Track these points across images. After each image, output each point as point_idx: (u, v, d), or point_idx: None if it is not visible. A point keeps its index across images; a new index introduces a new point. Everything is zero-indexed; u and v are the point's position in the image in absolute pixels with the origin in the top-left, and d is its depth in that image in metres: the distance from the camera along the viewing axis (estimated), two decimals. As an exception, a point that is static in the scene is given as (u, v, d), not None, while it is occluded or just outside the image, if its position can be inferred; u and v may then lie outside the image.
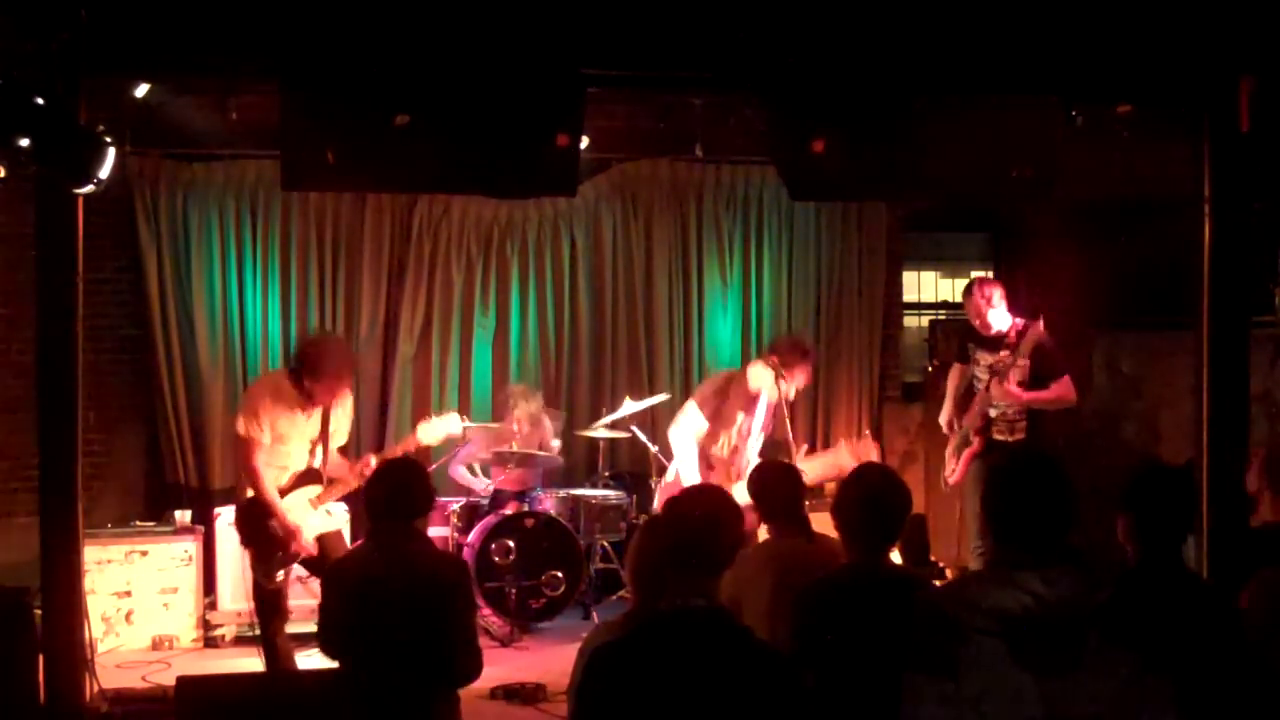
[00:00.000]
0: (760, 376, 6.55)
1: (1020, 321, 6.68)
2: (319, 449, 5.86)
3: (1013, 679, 2.53)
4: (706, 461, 6.62)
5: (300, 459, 5.81)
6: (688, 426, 6.59)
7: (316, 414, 5.79)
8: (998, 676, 2.54)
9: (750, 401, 6.59)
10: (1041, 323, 6.63)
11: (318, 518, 5.81)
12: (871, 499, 3.45)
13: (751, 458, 6.56)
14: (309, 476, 5.83)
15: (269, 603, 5.74)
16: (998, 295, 6.76)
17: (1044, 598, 2.54)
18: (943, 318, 9.38)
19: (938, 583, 8.05)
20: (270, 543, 5.63)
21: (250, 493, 5.67)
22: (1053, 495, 2.72)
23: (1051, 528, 2.69)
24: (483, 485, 7.73)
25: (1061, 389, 6.67)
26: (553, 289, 8.49)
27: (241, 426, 5.63)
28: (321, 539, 5.77)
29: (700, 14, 5.44)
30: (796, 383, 6.63)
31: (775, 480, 4.27)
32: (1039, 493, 2.72)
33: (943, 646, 2.58)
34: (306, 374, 5.65)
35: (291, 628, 6.37)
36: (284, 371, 5.85)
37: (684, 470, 6.56)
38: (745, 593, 3.65)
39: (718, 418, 6.60)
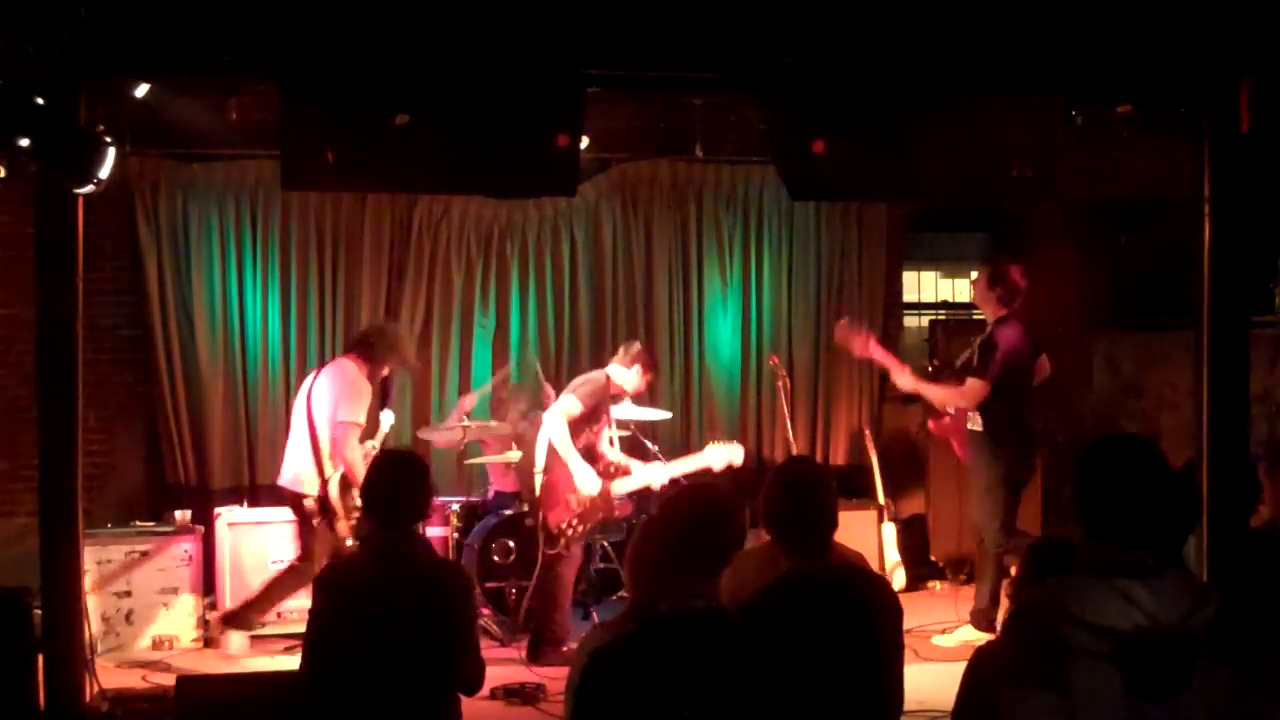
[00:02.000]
0: (624, 377, 6.78)
1: (1005, 313, 6.72)
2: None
3: (1119, 702, 2.33)
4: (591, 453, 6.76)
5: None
6: (563, 409, 6.61)
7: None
8: (1104, 699, 2.33)
9: (611, 401, 6.86)
10: (1017, 325, 6.65)
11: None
12: (796, 500, 3.34)
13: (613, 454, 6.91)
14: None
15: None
16: (983, 283, 6.80)
17: (1157, 617, 2.31)
18: (943, 318, 9.38)
19: (938, 585, 8.16)
20: None
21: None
22: (1163, 489, 2.47)
23: (1162, 527, 2.44)
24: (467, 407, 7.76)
25: (958, 391, 6.70)
26: (553, 289, 8.49)
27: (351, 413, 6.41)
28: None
29: (700, 14, 5.44)
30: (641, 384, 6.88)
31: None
32: (1149, 485, 2.45)
33: (1045, 661, 2.36)
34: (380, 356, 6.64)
35: (288, 628, 6.40)
36: (350, 358, 6.64)
37: (572, 461, 6.54)
38: (747, 592, 3.63)
39: (592, 415, 6.68)
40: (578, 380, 6.81)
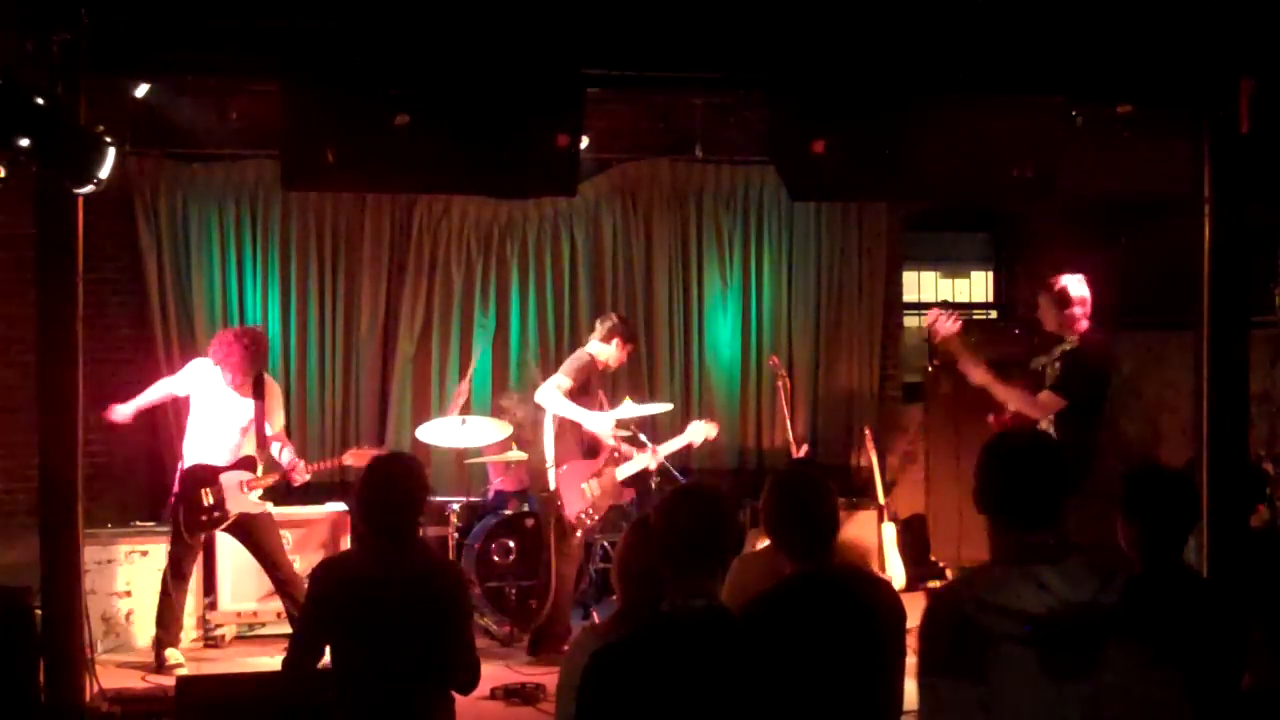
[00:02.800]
0: (604, 351, 6.93)
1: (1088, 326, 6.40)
2: (251, 436, 6.63)
3: (1033, 684, 2.44)
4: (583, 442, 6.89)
5: (229, 438, 6.59)
6: (557, 389, 6.71)
7: (244, 401, 6.58)
8: (1021, 682, 2.45)
9: (601, 375, 7.01)
10: (1104, 338, 6.21)
11: (244, 499, 6.55)
12: (797, 506, 3.34)
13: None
14: (245, 463, 6.60)
15: (178, 560, 6.56)
16: (1050, 307, 6.39)
17: (1067, 598, 2.43)
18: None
19: (938, 585, 8.15)
20: (198, 506, 6.49)
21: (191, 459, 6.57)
22: (1059, 476, 2.61)
23: (1060, 513, 2.58)
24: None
25: (1032, 401, 6.27)
26: (553, 289, 8.49)
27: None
28: (248, 519, 6.57)
29: (700, 14, 5.44)
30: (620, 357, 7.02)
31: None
32: (1048, 473, 2.59)
33: (966, 649, 2.47)
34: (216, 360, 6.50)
35: (288, 628, 6.39)
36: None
37: (577, 415, 6.73)
38: (749, 595, 3.62)
39: (584, 391, 6.80)
40: (569, 360, 6.94)
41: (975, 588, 2.53)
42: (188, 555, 6.56)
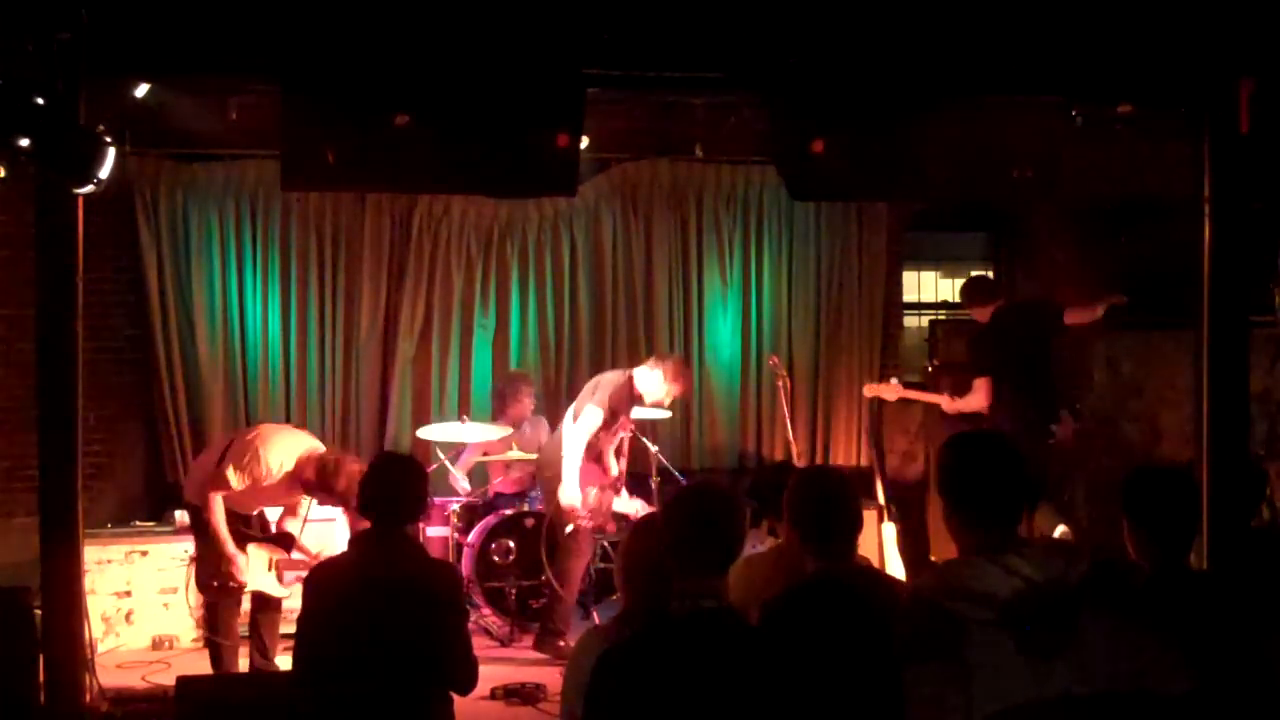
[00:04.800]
0: (650, 382, 6.68)
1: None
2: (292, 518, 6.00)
3: (1011, 665, 2.51)
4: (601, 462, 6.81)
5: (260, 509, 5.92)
6: (588, 426, 6.60)
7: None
8: (997, 663, 2.51)
9: (632, 405, 6.78)
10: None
11: (266, 578, 5.84)
12: (822, 504, 3.37)
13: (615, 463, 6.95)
14: (282, 539, 5.92)
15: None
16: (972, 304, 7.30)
17: (1033, 579, 2.53)
18: (943, 318, 9.38)
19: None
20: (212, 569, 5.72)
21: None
22: (1017, 474, 2.73)
23: (1020, 507, 2.71)
24: (464, 489, 7.66)
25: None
26: (553, 289, 8.49)
27: (230, 477, 5.55)
28: (261, 598, 5.87)
29: (700, 14, 5.44)
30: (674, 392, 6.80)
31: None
32: (1007, 471, 2.72)
33: (940, 635, 2.55)
34: (320, 490, 5.55)
35: (287, 627, 6.37)
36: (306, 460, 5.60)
37: (568, 470, 6.55)
38: (755, 597, 3.62)
39: (610, 419, 6.69)
40: (601, 382, 6.75)
41: (945, 578, 2.64)
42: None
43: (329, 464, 5.45)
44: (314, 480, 5.49)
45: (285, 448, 5.61)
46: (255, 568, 5.76)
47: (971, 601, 2.54)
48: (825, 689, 2.79)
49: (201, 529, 5.73)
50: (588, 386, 6.81)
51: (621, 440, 6.98)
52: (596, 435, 6.63)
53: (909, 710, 2.61)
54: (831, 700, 2.83)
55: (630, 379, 6.71)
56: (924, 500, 8.53)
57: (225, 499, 5.62)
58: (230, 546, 5.63)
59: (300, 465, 5.56)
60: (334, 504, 5.79)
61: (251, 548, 5.77)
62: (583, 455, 6.57)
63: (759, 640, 2.84)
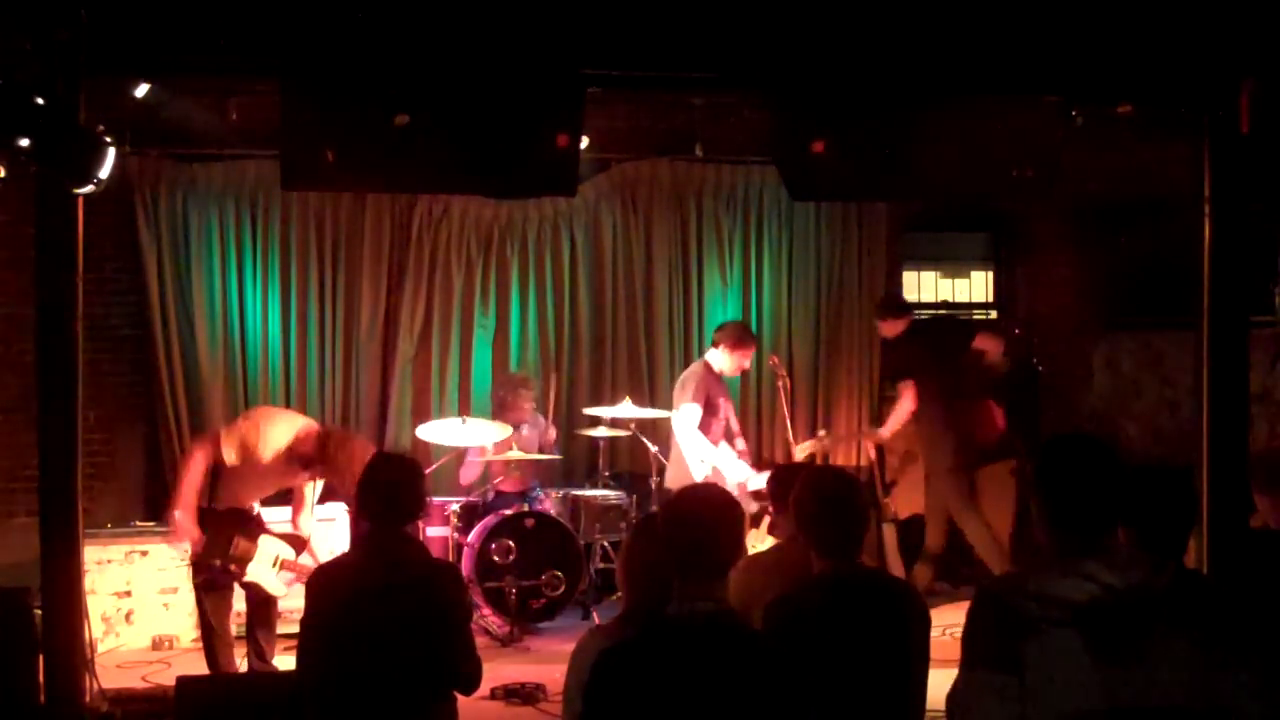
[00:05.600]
0: (718, 358, 7.14)
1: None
2: (308, 509, 5.95)
3: (1081, 671, 2.45)
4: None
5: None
6: (690, 420, 6.89)
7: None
8: (1065, 668, 2.45)
9: (719, 384, 7.17)
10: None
11: (268, 574, 5.76)
12: (832, 504, 3.38)
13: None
14: (295, 540, 5.85)
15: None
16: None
17: (1113, 586, 2.46)
18: (943, 317, 9.38)
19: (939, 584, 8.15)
20: (218, 550, 5.62)
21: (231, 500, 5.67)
22: (1116, 479, 2.65)
23: (1112, 513, 2.62)
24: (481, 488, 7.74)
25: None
26: (553, 289, 8.50)
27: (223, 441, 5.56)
28: (260, 593, 5.76)
29: (700, 14, 5.44)
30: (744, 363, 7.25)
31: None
32: (1105, 476, 2.63)
33: (1004, 641, 2.48)
34: (320, 463, 5.58)
35: (287, 628, 6.38)
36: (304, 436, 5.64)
37: (714, 457, 6.92)
38: (756, 597, 3.62)
39: (709, 407, 7.01)
40: (685, 378, 7.16)
41: (1020, 579, 2.57)
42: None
43: (332, 435, 5.57)
44: (312, 453, 5.54)
45: (282, 424, 5.65)
46: (260, 559, 5.69)
47: (1043, 602, 2.48)
48: (832, 689, 2.79)
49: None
50: (676, 387, 7.23)
51: (728, 421, 7.27)
52: (706, 425, 6.97)
53: (967, 710, 2.56)
54: (839, 700, 2.83)
55: (706, 363, 7.14)
56: (924, 500, 8.52)
57: (224, 488, 5.61)
58: (186, 508, 5.54)
59: (298, 440, 5.59)
60: (334, 480, 5.73)
61: (264, 538, 5.73)
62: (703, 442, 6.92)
63: (763, 640, 2.84)
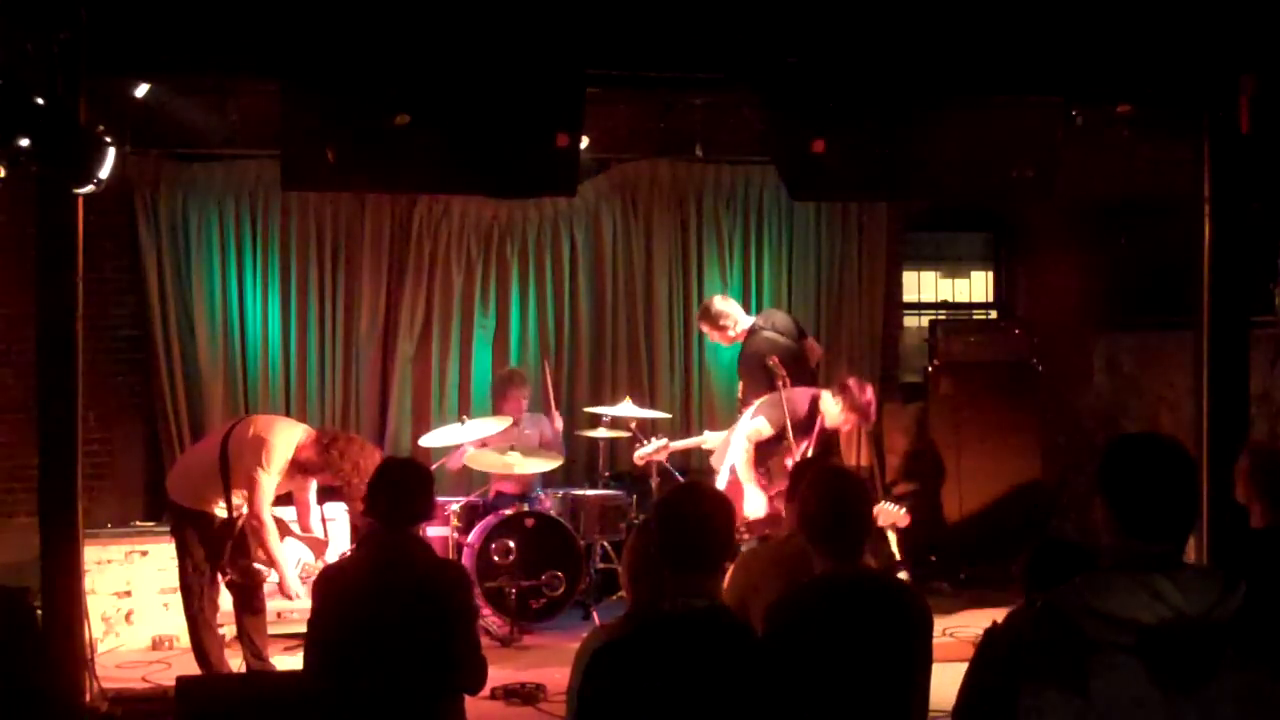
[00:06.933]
0: (831, 406, 6.49)
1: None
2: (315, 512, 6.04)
3: (1144, 695, 2.32)
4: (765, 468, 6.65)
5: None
6: (750, 433, 6.55)
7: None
8: (1128, 693, 2.32)
9: (812, 426, 6.54)
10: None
11: (295, 576, 5.84)
12: (835, 505, 3.36)
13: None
14: (317, 545, 5.98)
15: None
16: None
17: (1181, 609, 2.31)
18: (943, 318, 9.38)
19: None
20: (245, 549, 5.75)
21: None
22: (1192, 483, 2.47)
23: (1189, 522, 2.45)
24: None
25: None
26: (553, 289, 8.49)
27: (263, 480, 5.57)
28: (240, 598, 5.86)
29: (700, 14, 5.44)
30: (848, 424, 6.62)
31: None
32: (1182, 482, 2.44)
33: (1070, 658, 2.35)
34: (323, 469, 5.63)
35: (288, 628, 6.39)
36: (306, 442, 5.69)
37: (742, 477, 6.51)
38: (753, 593, 3.63)
39: (779, 438, 6.52)
40: (786, 397, 6.50)
41: (1084, 593, 2.40)
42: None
43: (335, 440, 5.59)
44: (314, 459, 5.57)
45: (283, 434, 5.67)
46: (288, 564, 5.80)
47: (1109, 623, 2.33)
48: (835, 692, 2.78)
49: (190, 527, 5.74)
50: (772, 397, 6.58)
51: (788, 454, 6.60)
52: (768, 444, 6.52)
53: None
54: (841, 703, 2.82)
55: (815, 399, 6.54)
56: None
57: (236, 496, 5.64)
58: (284, 563, 5.68)
59: (299, 449, 5.63)
60: (335, 483, 5.71)
61: (289, 540, 5.79)
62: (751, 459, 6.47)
63: (755, 637, 2.84)
